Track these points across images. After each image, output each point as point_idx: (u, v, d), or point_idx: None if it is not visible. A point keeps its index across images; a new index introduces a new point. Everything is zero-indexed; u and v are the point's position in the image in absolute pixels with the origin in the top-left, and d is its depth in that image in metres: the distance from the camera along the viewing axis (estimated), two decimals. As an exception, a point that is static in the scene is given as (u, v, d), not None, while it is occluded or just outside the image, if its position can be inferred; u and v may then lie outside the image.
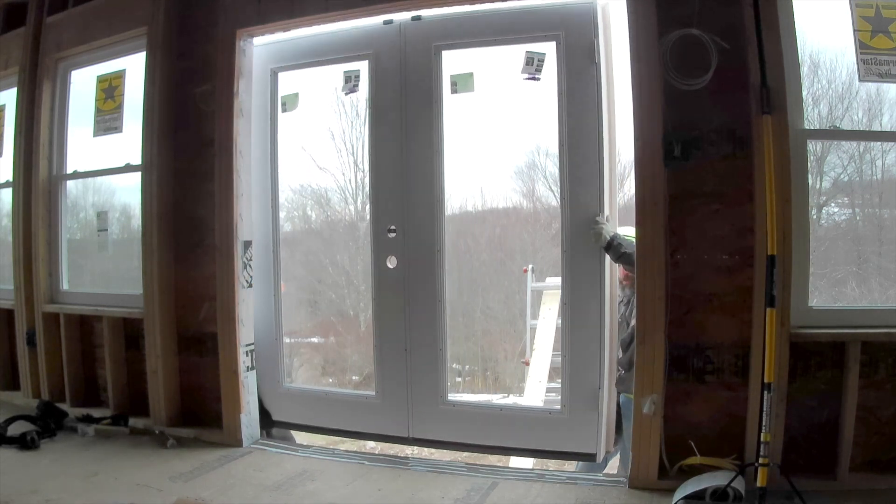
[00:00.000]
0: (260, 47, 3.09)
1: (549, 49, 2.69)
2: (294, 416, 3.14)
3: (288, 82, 3.14)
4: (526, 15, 2.69)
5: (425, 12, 2.79)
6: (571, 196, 2.66)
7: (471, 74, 2.83)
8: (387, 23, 2.87)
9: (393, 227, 2.87)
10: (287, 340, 3.84)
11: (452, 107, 2.85)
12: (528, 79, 2.74)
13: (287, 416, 3.15)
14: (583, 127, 2.61)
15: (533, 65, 2.72)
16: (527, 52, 2.72)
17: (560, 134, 2.65)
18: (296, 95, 3.15)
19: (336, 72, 3.08)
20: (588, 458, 2.68)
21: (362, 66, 2.96)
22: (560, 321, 2.75)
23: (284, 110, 3.14)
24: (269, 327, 3.17)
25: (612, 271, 2.77)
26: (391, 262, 2.88)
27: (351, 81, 3.02)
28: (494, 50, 2.81)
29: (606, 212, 2.65)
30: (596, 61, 2.59)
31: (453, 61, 2.84)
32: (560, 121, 2.64)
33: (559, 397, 5.60)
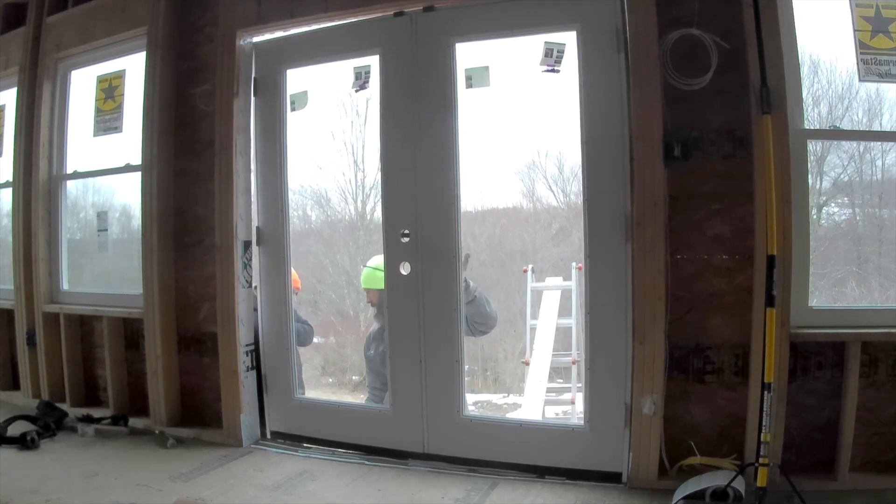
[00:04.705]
0: (267, 43, 3.02)
1: (569, 39, 2.55)
2: (302, 430, 3.01)
3: (296, 80, 3.05)
4: (544, 1, 2.56)
5: (437, 2, 2.70)
6: (591, 195, 2.51)
7: (486, 68, 2.72)
8: (398, 14, 2.74)
9: (406, 232, 2.75)
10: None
11: (463, 102, 2.73)
12: (547, 71, 2.62)
13: (293, 429, 3.03)
14: (607, 120, 2.47)
15: (552, 56, 2.59)
16: (545, 42, 2.59)
17: (581, 129, 2.51)
18: (304, 94, 3.07)
19: (343, 68, 2.98)
20: (612, 478, 2.47)
21: (373, 61, 2.84)
22: (583, 332, 2.61)
23: (293, 109, 3.05)
24: (279, 336, 3.05)
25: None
26: (405, 269, 2.77)
27: (361, 78, 2.92)
28: (511, 42, 2.68)
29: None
30: (620, 49, 2.45)
31: (468, 54, 2.71)
32: (581, 115, 2.51)
33: (560, 397, 5.64)
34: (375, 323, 3.60)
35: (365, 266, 3.67)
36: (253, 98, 3.06)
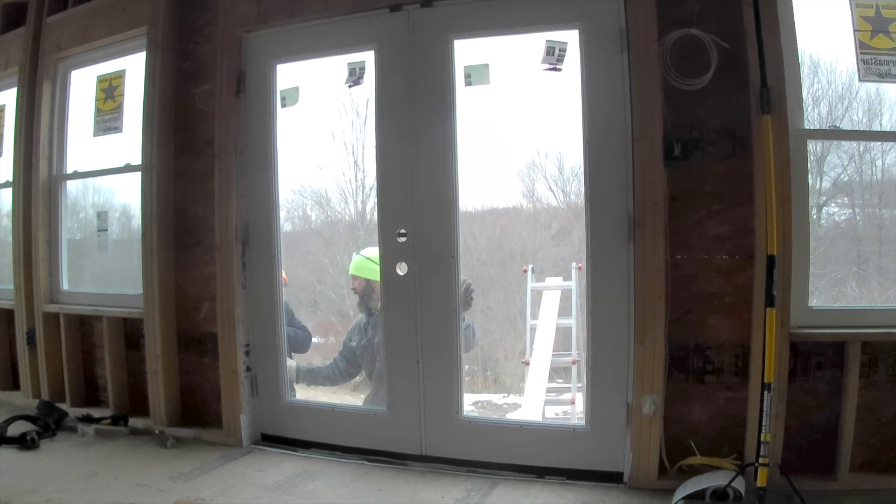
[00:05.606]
0: (258, 38, 2.98)
1: (571, 38, 2.51)
2: (293, 433, 2.98)
3: (287, 75, 3.02)
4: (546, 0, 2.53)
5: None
6: (594, 195, 2.50)
7: (486, 66, 2.70)
8: (394, 9, 2.70)
9: (403, 231, 2.72)
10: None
11: (462, 101, 2.69)
12: (549, 69, 2.59)
13: (284, 432, 3.00)
14: (610, 120, 2.43)
15: (554, 55, 2.57)
16: (547, 40, 2.57)
17: (584, 128, 2.48)
18: (296, 90, 3.05)
19: (338, 63, 2.94)
20: (612, 477, 2.46)
21: (368, 57, 2.82)
22: (583, 332, 2.60)
23: (284, 105, 3.02)
24: (270, 337, 3.01)
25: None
26: (401, 269, 2.74)
27: (355, 74, 2.88)
28: (512, 39, 2.67)
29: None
30: (623, 49, 2.42)
31: (467, 51, 2.68)
32: (584, 114, 2.47)
33: (560, 397, 5.63)
34: (361, 315, 3.62)
35: (357, 253, 3.67)
36: (241, 93, 2.99)
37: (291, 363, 3.42)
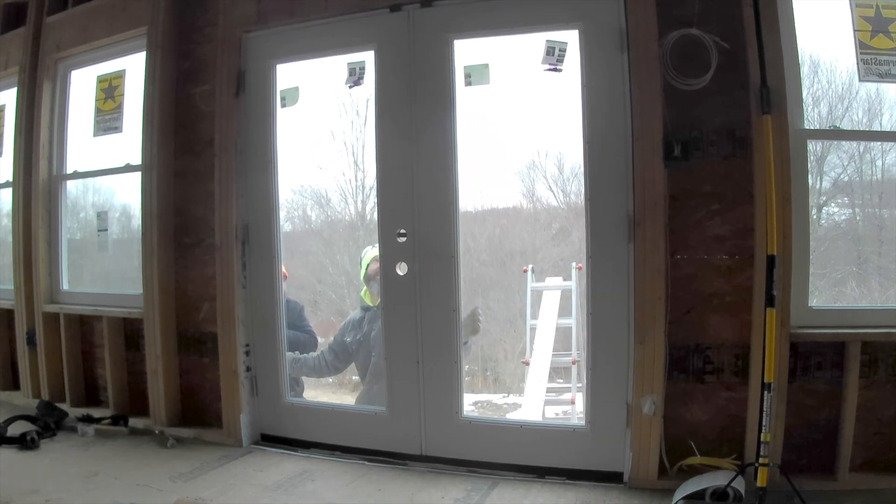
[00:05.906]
0: (258, 38, 2.98)
1: (571, 38, 2.51)
2: (293, 433, 2.98)
3: (287, 75, 3.03)
4: (546, 0, 2.53)
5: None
6: (594, 195, 2.49)
7: (486, 66, 2.71)
8: (394, 9, 2.70)
9: (403, 231, 2.72)
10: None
11: (462, 101, 2.69)
12: (549, 70, 2.59)
13: (283, 432, 3.00)
14: (610, 120, 2.43)
15: (554, 55, 2.57)
16: (547, 41, 2.57)
17: (584, 128, 2.48)
18: (296, 90, 3.06)
19: (338, 64, 2.95)
20: (612, 477, 2.46)
21: (368, 57, 2.83)
22: (583, 332, 2.60)
23: (284, 105, 3.03)
24: (269, 338, 3.01)
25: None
26: (401, 269, 2.74)
27: (355, 74, 2.89)
28: (512, 39, 2.68)
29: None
30: (624, 49, 2.42)
31: (467, 51, 2.69)
32: (584, 114, 2.47)
33: (560, 397, 5.63)
34: (356, 310, 3.60)
35: (374, 247, 3.63)
36: (241, 93, 2.99)
37: None
